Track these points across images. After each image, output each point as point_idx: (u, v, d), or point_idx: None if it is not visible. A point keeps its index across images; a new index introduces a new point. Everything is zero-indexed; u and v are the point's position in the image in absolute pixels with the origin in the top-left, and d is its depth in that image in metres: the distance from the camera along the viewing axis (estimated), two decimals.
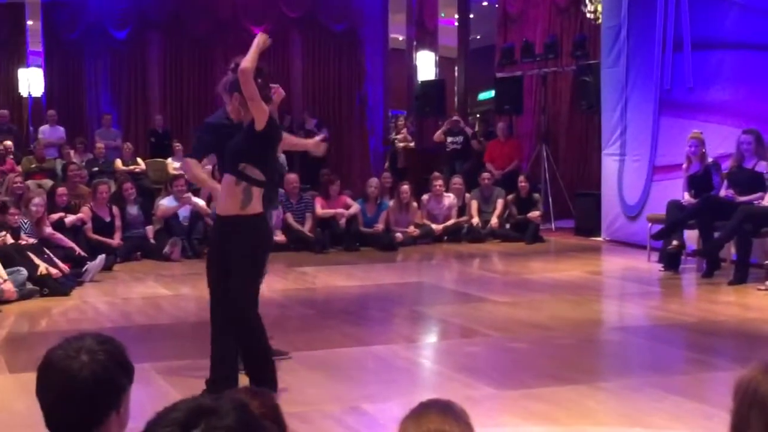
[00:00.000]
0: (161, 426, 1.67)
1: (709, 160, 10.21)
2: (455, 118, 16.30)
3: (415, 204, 13.48)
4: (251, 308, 5.50)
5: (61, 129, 16.68)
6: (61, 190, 11.74)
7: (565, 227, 14.43)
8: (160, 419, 1.69)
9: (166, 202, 12.24)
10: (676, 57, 11.64)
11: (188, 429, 1.66)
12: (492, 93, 17.52)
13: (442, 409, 2.00)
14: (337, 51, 19.87)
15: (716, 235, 9.69)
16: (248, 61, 5.36)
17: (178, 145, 16.05)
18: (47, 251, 9.85)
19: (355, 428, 5.08)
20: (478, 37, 20.44)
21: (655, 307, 8.66)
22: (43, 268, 9.33)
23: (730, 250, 9.83)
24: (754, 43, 10.52)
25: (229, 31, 19.07)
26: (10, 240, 9.48)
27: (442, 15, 20.04)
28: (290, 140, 6.62)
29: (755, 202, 9.58)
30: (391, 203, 13.32)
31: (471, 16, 18.98)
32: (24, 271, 9.14)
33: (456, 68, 19.07)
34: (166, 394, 5.56)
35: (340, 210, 12.96)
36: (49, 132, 16.48)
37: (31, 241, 9.89)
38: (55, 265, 9.61)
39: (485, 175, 13.93)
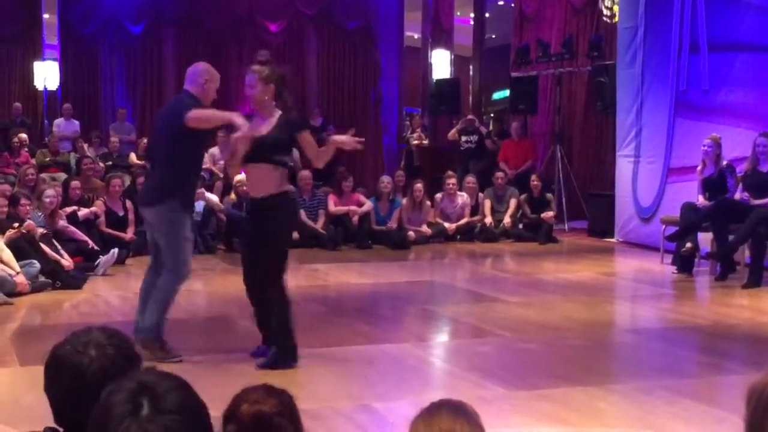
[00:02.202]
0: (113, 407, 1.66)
1: (724, 162, 10.17)
2: (470, 117, 16.29)
3: (428, 203, 13.46)
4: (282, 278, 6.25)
5: (76, 123, 16.74)
6: (75, 183, 11.77)
7: (578, 228, 14.40)
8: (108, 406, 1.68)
9: None
10: (692, 59, 11.60)
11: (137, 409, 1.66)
12: (507, 92, 17.49)
13: (453, 410, 1.99)
14: (351, 48, 19.87)
15: (730, 238, 9.64)
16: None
17: None
18: (56, 243, 9.88)
19: (366, 426, 5.07)
20: (494, 36, 20.40)
21: (668, 309, 8.62)
22: (52, 254, 9.39)
23: (744, 254, 9.78)
24: None
25: (245, 28, 19.11)
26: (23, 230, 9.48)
27: (458, 14, 20.02)
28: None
29: None
30: (404, 201, 13.31)
31: (487, 15, 18.96)
32: (37, 264, 9.16)
33: (471, 67, 19.05)
34: None
35: (352, 207, 12.95)
36: (63, 125, 16.54)
37: (41, 230, 9.87)
38: (62, 257, 9.65)
39: (499, 174, 13.91)
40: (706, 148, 10.17)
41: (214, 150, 16.31)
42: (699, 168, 10.34)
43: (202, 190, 12.34)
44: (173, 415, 1.64)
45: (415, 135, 18.54)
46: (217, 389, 5.41)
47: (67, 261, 9.68)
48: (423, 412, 2.00)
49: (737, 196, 9.88)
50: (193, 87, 6.44)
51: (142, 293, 6.74)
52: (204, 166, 15.54)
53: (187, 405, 1.68)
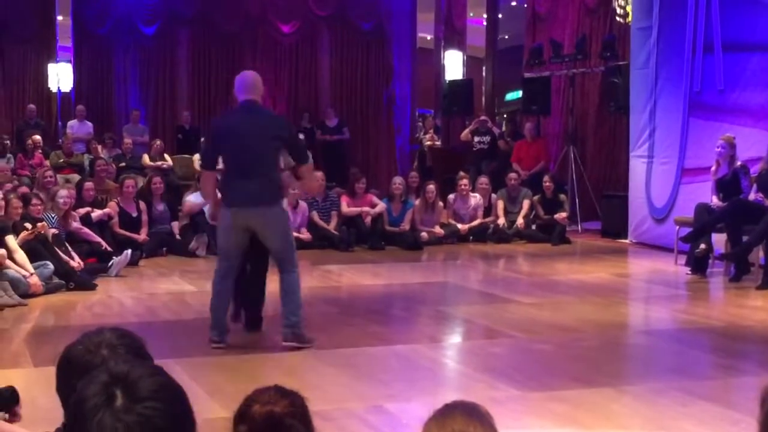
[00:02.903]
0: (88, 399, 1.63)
1: (738, 163, 10.12)
2: (483, 117, 16.27)
3: (441, 204, 13.44)
4: None
5: (90, 124, 16.79)
6: (88, 185, 11.79)
7: (591, 229, 14.36)
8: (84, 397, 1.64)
9: (192, 198, 12.27)
10: (706, 59, 11.55)
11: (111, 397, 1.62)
12: (519, 93, 17.47)
13: (467, 411, 1.98)
14: (364, 49, 19.87)
15: (744, 239, 9.60)
16: None
17: None
18: (66, 244, 9.90)
19: (378, 427, 5.06)
20: (507, 37, 20.38)
21: (682, 310, 8.59)
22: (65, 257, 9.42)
23: (759, 255, 9.73)
24: None
25: (258, 29, 19.14)
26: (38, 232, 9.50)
27: (471, 14, 20.01)
28: None
29: None
30: (417, 202, 13.29)
31: (499, 15, 18.94)
32: (50, 265, 9.18)
33: (484, 68, 19.03)
34: (189, 390, 5.54)
35: (365, 208, 12.95)
36: (77, 127, 16.59)
37: (53, 230, 9.90)
38: (72, 259, 9.67)
39: (512, 175, 13.88)
40: (719, 149, 10.12)
41: None
42: (713, 169, 10.30)
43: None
44: (149, 401, 1.60)
45: (427, 136, 18.53)
46: (229, 390, 5.44)
47: (74, 262, 9.68)
48: (436, 414, 1.99)
49: (751, 196, 9.84)
50: (257, 96, 6.96)
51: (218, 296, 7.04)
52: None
53: (162, 390, 1.64)
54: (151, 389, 1.63)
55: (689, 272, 10.21)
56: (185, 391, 1.71)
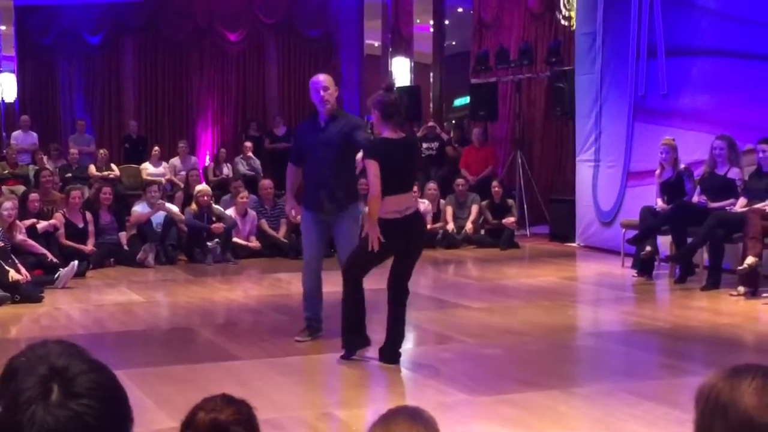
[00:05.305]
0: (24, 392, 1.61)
1: (681, 166, 10.26)
2: (431, 123, 16.34)
3: None
4: None
5: (34, 135, 16.59)
6: (33, 196, 11.62)
7: (539, 233, 14.46)
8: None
9: (139, 209, 12.19)
10: (650, 63, 11.71)
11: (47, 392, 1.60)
12: (467, 99, 17.56)
13: (410, 416, 1.99)
14: (312, 57, 19.87)
15: (689, 240, 9.73)
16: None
17: (156, 150, 16.04)
18: (12, 256, 9.75)
19: None
20: (454, 43, 20.47)
21: (629, 312, 8.68)
22: (12, 273, 9.25)
23: (703, 256, 9.87)
24: (728, 49, 10.59)
25: (205, 37, 19.06)
26: None
27: (418, 21, 20.05)
28: None
29: (727, 208, 9.62)
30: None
31: (446, 22, 19.03)
32: None
33: (431, 74, 19.10)
34: (139, 401, 5.53)
35: None
36: (22, 138, 16.39)
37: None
38: (18, 271, 9.53)
39: (460, 180, 13.94)
40: (662, 153, 10.25)
41: (175, 160, 16.26)
42: (657, 172, 10.43)
43: (162, 201, 12.30)
44: (84, 399, 1.57)
45: None
46: (177, 400, 5.41)
47: (20, 275, 9.52)
48: (380, 420, 2.00)
49: (695, 199, 9.99)
50: None
51: (314, 291, 7.76)
52: (165, 177, 15.53)
53: (100, 388, 1.61)
54: (88, 386, 1.60)
55: (636, 274, 10.33)
56: (126, 392, 1.68)
